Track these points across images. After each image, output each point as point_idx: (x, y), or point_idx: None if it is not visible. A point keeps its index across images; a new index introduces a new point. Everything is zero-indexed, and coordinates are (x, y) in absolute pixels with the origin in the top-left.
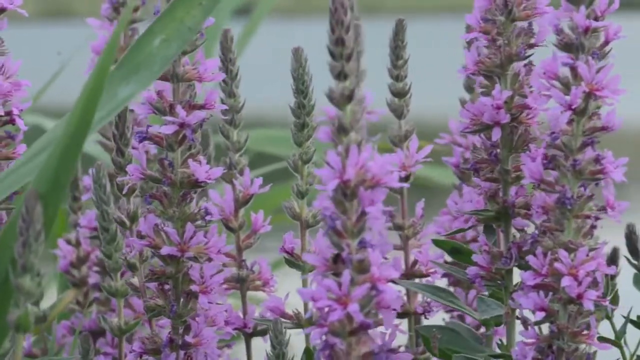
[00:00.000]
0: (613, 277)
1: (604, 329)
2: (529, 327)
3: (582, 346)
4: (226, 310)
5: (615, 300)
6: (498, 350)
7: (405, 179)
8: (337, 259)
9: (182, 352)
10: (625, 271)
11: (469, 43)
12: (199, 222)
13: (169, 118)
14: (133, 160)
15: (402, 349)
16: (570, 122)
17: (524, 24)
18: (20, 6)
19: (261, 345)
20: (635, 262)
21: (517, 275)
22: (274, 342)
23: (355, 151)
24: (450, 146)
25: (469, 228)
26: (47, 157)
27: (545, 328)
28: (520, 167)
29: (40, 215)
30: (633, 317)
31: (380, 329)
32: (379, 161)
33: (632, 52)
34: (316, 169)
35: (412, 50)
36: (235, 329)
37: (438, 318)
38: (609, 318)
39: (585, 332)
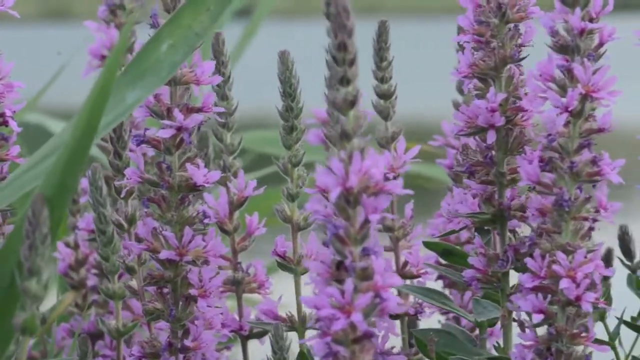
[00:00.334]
0: (606, 278)
1: (598, 330)
2: (527, 330)
3: (580, 348)
4: (222, 313)
5: (608, 301)
6: (495, 353)
7: (394, 179)
8: (339, 266)
9: (181, 356)
10: (618, 272)
11: (461, 45)
12: (196, 226)
13: (166, 122)
14: (130, 163)
15: (395, 350)
16: (566, 124)
17: (518, 25)
18: (19, 8)
19: (258, 348)
20: (628, 263)
21: (512, 278)
22: (275, 348)
23: (358, 158)
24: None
25: (460, 230)
26: (54, 161)
27: (541, 330)
28: (515, 169)
29: (46, 219)
30: (626, 318)
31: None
32: (382, 167)
33: (627, 53)
34: (316, 171)
35: (411, 51)
36: (231, 331)
37: (434, 320)
38: (603, 319)
39: (583, 334)
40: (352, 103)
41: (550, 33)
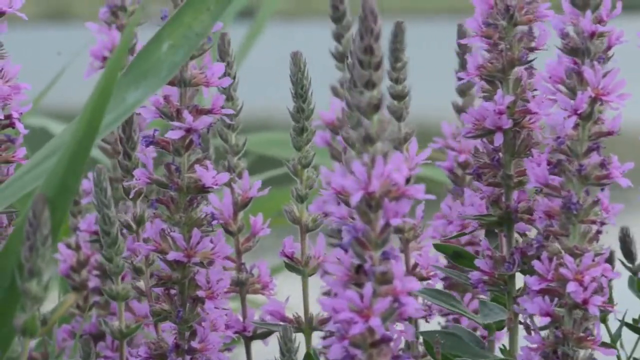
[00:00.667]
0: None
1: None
2: (534, 332)
3: (587, 351)
4: (226, 314)
5: (611, 303)
6: (500, 355)
7: (406, 181)
8: (359, 269)
9: (187, 357)
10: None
11: (462, 47)
12: (204, 227)
13: (176, 123)
14: (139, 164)
15: (400, 352)
16: (575, 126)
17: (525, 28)
18: (20, 9)
19: (261, 349)
20: (629, 265)
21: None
22: (284, 349)
23: (381, 162)
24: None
25: (472, 232)
26: (55, 161)
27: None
28: (523, 171)
29: (47, 220)
30: (628, 320)
31: None
32: (404, 172)
33: (633, 54)
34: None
35: (410, 52)
36: (235, 332)
37: (434, 322)
38: (605, 321)
39: (590, 337)
40: (377, 107)
41: (560, 35)
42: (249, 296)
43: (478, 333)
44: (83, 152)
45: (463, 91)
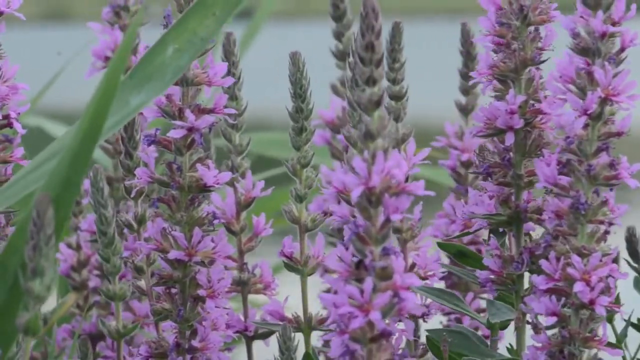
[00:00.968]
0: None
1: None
2: (541, 332)
3: (592, 351)
4: (227, 314)
5: (617, 303)
6: (507, 355)
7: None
8: (359, 265)
9: (188, 356)
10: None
11: (465, 47)
12: (205, 227)
13: (178, 122)
14: (141, 163)
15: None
16: (585, 126)
17: (534, 28)
18: (19, 9)
19: (261, 349)
20: (635, 265)
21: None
22: (283, 348)
23: (381, 158)
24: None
25: (475, 231)
26: (58, 160)
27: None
28: (533, 171)
29: (51, 220)
30: (633, 320)
31: None
32: (404, 168)
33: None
34: (323, 171)
35: (410, 52)
36: (236, 332)
37: (435, 322)
38: (610, 321)
39: (596, 337)
40: (377, 103)
41: (571, 35)
42: (250, 296)
43: (480, 333)
44: (86, 151)
45: (466, 90)
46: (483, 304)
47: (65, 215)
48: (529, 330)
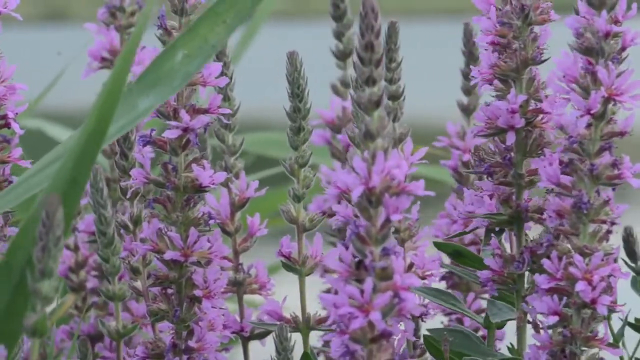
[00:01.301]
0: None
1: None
2: (542, 331)
3: (594, 350)
4: (223, 314)
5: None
6: (508, 354)
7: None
8: (359, 265)
9: (185, 357)
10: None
11: (468, 46)
12: (201, 227)
13: (173, 122)
14: (136, 164)
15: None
16: (588, 126)
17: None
18: (17, 9)
19: (258, 349)
20: (633, 265)
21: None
22: (279, 348)
23: (381, 158)
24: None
25: (471, 231)
26: (61, 163)
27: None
28: (534, 171)
29: (61, 221)
30: (630, 319)
31: None
32: (405, 168)
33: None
34: (323, 171)
35: (409, 52)
36: (232, 332)
37: (436, 322)
38: (608, 320)
39: (597, 337)
40: (377, 103)
41: (575, 35)
42: (246, 296)
43: (480, 333)
44: (91, 152)
45: (468, 90)
46: (484, 304)
47: (70, 217)
48: (529, 329)
